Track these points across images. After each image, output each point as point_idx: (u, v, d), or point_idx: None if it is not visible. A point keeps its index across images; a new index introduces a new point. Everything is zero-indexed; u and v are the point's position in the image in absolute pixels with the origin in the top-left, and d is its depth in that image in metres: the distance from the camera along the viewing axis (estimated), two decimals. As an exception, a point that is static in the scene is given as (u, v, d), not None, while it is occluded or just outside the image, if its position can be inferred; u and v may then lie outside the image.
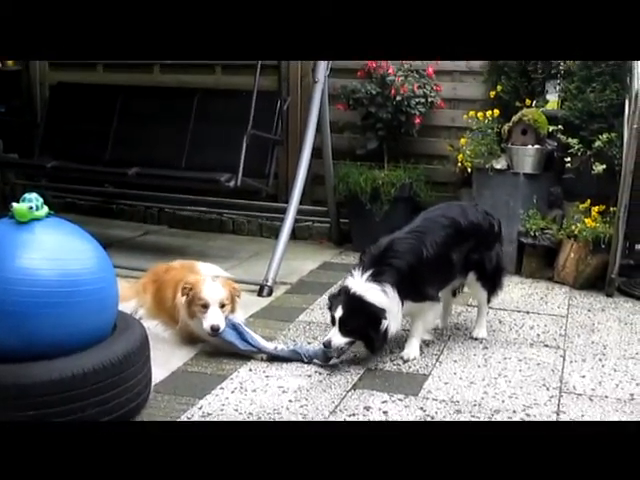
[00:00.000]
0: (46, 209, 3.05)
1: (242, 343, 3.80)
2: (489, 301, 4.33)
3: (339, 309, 3.70)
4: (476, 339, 4.23)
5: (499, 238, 4.31)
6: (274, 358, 3.82)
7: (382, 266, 3.76)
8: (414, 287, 3.82)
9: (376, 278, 3.71)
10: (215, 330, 3.76)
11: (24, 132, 7.27)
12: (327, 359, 3.79)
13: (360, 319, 3.67)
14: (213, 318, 3.77)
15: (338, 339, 3.69)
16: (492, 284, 4.26)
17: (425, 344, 4.09)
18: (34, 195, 3.02)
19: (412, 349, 3.95)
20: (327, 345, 3.71)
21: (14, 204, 2.99)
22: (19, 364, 2.83)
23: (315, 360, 3.80)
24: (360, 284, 3.71)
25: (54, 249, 2.99)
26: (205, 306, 3.81)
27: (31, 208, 2.98)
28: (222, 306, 3.84)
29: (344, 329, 3.69)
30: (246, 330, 3.85)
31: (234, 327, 3.83)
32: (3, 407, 2.78)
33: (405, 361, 3.87)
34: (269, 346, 3.86)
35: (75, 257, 3.03)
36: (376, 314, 3.65)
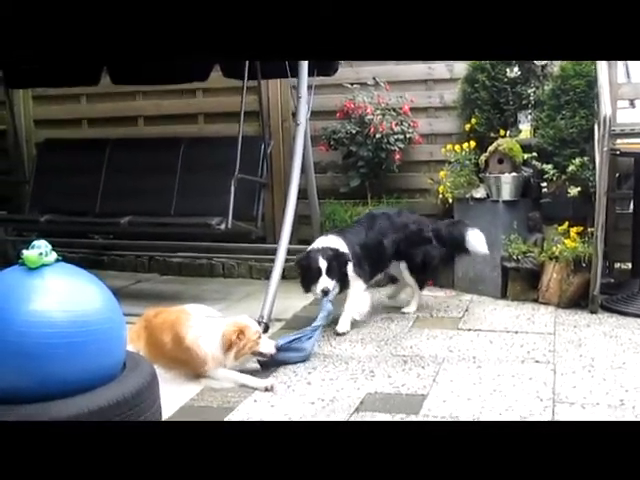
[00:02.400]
0: (55, 255, 3.18)
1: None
2: (421, 288, 5.60)
3: (321, 260, 4.87)
4: (406, 313, 5.46)
5: (429, 241, 5.44)
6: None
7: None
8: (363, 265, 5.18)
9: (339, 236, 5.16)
10: (278, 348, 4.27)
11: (12, 190, 7.43)
12: (331, 308, 4.83)
13: (336, 263, 4.92)
14: (267, 340, 4.27)
15: (327, 283, 4.85)
16: (420, 274, 5.51)
17: (421, 367, 4.24)
18: (43, 242, 3.14)
19: (343, 324, 5.01)
20: (326, 291, 4.84)
21: (24, 251, 3.11)
22: (36, 404, 2.94)
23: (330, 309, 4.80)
24: (325, 241, 5.09)
25: (65, 292, 3.11)
26: (260, 336, 4.21)
27: (41, 254, 3.11)
28: None
29: (328, 274, 4.87)
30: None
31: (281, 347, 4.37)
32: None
33: (338, 334, 4.94)
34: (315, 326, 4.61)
35: (84, 299, 3.14)
36: (342, 255, 4.97)
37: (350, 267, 5.05)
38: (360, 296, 5.16)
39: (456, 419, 3.50)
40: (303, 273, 5.06)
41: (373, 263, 5.31)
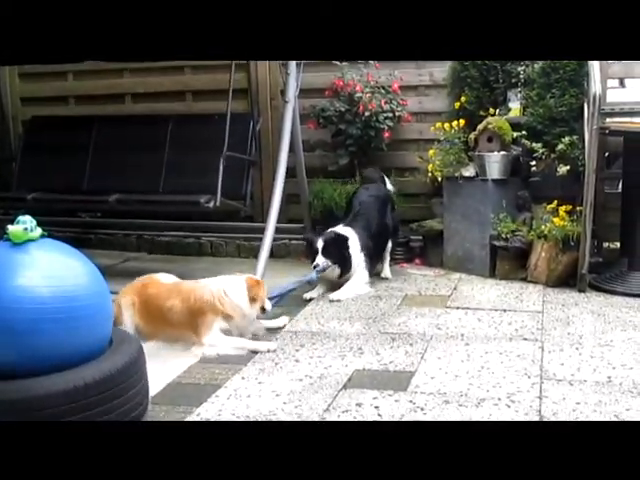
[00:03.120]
0: (40, 230, 3.15)
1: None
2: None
3: (319, 241, 5.30)
4: (385, 278, 5.86)
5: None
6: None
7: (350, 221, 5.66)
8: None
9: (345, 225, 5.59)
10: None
11: (-1, 168, 7.38)
12: (315, 279, 5.37)
13: (333, 244, 5.33)
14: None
15: (321, 261, 5.26)
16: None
17: (409, 344, 4.25)
18: (28, 217, 3.11)
19: (338, 294, 5.30)
20: (316, 266, 5.25)
21: (9, 226, 3.09)
22: (21, 380, 2.92)
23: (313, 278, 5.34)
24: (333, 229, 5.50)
25: (50, 268, 3.09)
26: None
27: (26, 229, 3.09)
28: None
29: (324, 253, 5.28)
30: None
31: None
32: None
33: (331, 301, 5.23)
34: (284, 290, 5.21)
35: (70, 275, 3.12)
36: (344, 240, 5.40)
37: (361, 258, 5.51)
38: (361, 284, 5.49)
39: (444, 395, 3.50)
40: (306, 250, 5.75)
41: (378, 250, 5.82)
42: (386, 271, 5.94)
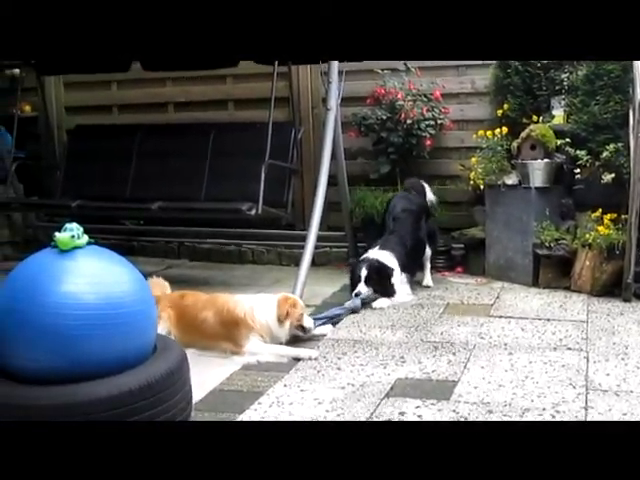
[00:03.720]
0: (86, 238, 3.19)
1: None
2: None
3: (363, 270, 5.34)
4: (427, 287, 5.86)
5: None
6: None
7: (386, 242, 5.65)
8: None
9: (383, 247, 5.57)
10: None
11: (43, 176, 7.49)
12: (359, 309, 5.25)
13: (376, 274, 5.36)
14: (309, 319, 4.55)
15: (364, 289, 5.29)
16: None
17: (451, 353, 4.22)
18: (75, 225, 3.16)
19: (381, 302, 5.34)
20: (358, 294, 5.27)
21: (56, 234, 3.13)
22: (67, 385, 2.95)
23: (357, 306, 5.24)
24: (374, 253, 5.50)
25: (96, 274, 3.12)
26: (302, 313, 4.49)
27: (73, 237, 3.13)
28: None
29: (368, 282, 5.31)
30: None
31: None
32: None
33: (373, 309, 5.26)
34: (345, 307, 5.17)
35: (116, 281, 3.15)
36: (387, 270, 5.40)
37: (402, 278, 5.55)
38: (404, 297, 5.52)
39: (487, 405, 3.47)
40: (350, 276, 5.57)
41: (416, 262, 5.89)
42: (427, 279, 5.91)
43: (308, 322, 4.47)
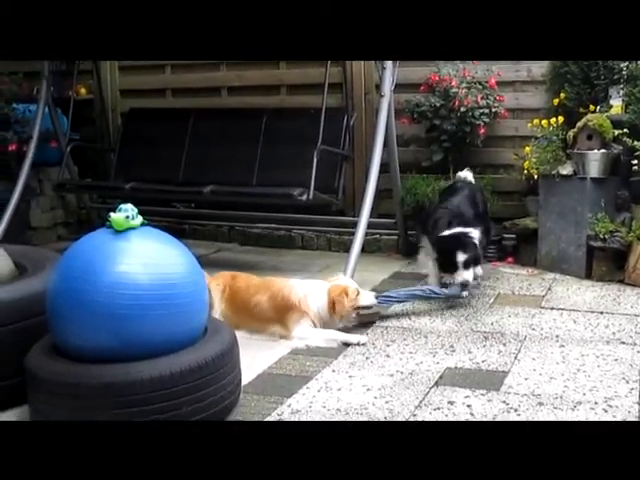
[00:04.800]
0: (141, 219, 3.22)
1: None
2: None
3: (460, 254, 4.82)
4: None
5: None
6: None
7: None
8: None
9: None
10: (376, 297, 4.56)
11: (98, 158, 7.59)
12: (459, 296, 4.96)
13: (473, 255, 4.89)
14: (366, 292, 4.53)
15: (469, 276, 4.85)
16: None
17: (502, 343, 4.18)
18: (129, 205, 3.19)
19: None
20: (465, 284, 4.86)
21: (112, 214, 3.17)
22: (120, 364, 2.99)
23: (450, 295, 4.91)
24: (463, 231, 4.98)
25: (150, 256, 3.15)
26: (358, 292, 4.43)
27: (127, 217, 3.16)
28: None
29: (467, 265, 4.84)
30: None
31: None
32: (106, 405, 2.94)
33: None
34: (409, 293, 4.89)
35: (169, 263, 3.18)
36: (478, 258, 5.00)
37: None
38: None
39: (538, 397, 3.43)
40: (439, 257, 5.05)
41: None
42: (478, 269, 5.83)
43: (367, 299, 4.46)
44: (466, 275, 4.83)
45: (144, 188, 6.14)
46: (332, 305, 4.31)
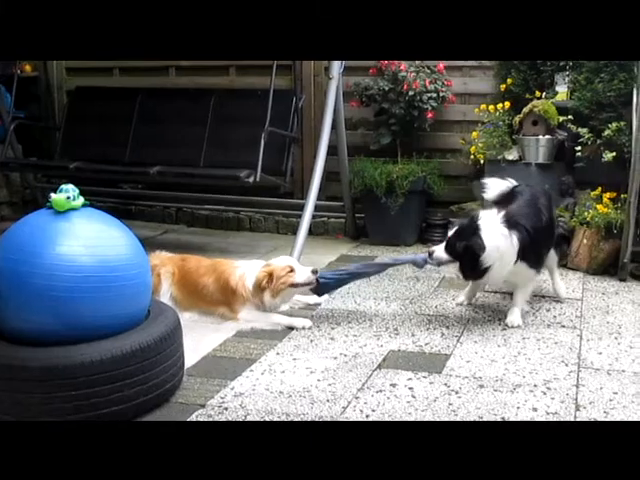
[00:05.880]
0: (82, 200, 3.18)
1: (338, 278, 4.48)
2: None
3: (454, 229, 4.23)
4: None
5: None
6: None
7: (514, 219, 4.19)
8: (535, 252, 4.30)
9: (507, 225, 4.13)
10: (315, 272, 4.31)
11: (43, 137, 7.46)
12: (421, 266, 4.47)
13: (462, 246, 4.10)
14: (303, 269, 4.31)
15: (440, 253, 4.18)
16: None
17: (445, 326, 4.23)
18: (70, 186, 3.14)
19: (514, 317, 4.30)
20: (430, 254, 4.23)
21: (52, 194, 3.12)
22: (61, 347, 2.95)
23: (413, 264, 4.53)
24: (489, 220, 4.14)
25: (92, 237, 3.12)
26: (292, 270, 4.27)
27: (68, 198, 3.11)
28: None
29: (448, 247, 4.16)
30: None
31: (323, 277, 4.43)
32: (48, 387, 2.90)
33: (509, 327, 4.25)
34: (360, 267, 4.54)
35: (111, 244, 3.15)
36: (475, 248, 4.04)
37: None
38: (528, 286, 4.47)
39: (479, 379, 3.48)
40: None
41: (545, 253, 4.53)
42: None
43: (302, 276, 4.27)
44: (438, 250, 4.20)
45: (89, 168, 6.06)
46: (259, 285, 4.25)
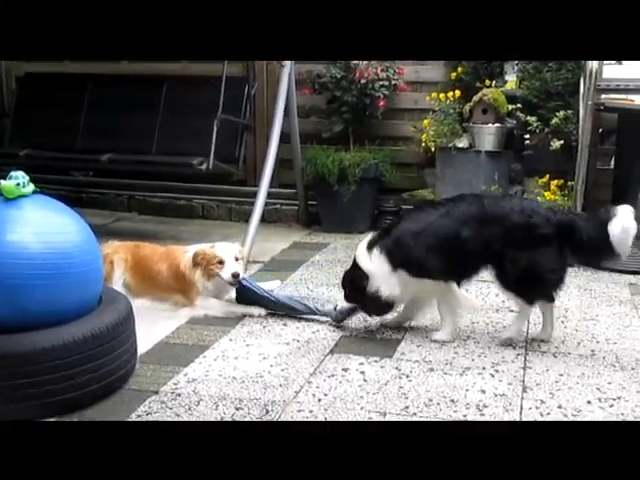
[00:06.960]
0: (32, 186, 3.15)
1: (261, 294, 4.27)
2: (529, 303, 3.85)
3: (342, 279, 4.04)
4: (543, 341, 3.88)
5: (544, 242, 3.69)
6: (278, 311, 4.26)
7: (382, 233, 3.89)
8: (407, 255, 3.74)
9: (370, 244, 3.84)
10: (236, 276, 4.19)
11: (-9, 124, 7.34)
12: (337, 320, 4.07)
13: (349, 284, 3.96)
14: (231, 268, 4.19)
15: (342, 303, 4.02)
16: (517, 288, 3.79)
17: (397, 312, 4.26)
18: (20, 173, 3.12)
19: (441, 333, 3.88)
20: (335, 308, 4.07)
21: (1, 181, 3.09)
22: (12, 334, 2.93)
23: (327, 318, 4.13)
24: (361, 251, 3.87)
25: (42, 224, 3.10)
26: (221, 262, 4.20)
27: (18, 185, 3.09)
28: (236, 259, 4.27)
29: (345, 296, 4.00)
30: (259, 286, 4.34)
31: (249, 282, 4.31)
32: (-1, 376, 2.89)
33: (433, 341, 3.85)
34: (286, 299, 4.30)
35: (62, 231, 3.13)
36: (358, 279, 3.83)
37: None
38: (447, 300, 3.95)
39: (429, 363, 3.54)
40: None
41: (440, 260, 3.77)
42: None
43: (225, 273, 4.17)
44: (339, 301, 4.05)
45: (40, 155, 6.01)
46: (194, 259, 4.27)
